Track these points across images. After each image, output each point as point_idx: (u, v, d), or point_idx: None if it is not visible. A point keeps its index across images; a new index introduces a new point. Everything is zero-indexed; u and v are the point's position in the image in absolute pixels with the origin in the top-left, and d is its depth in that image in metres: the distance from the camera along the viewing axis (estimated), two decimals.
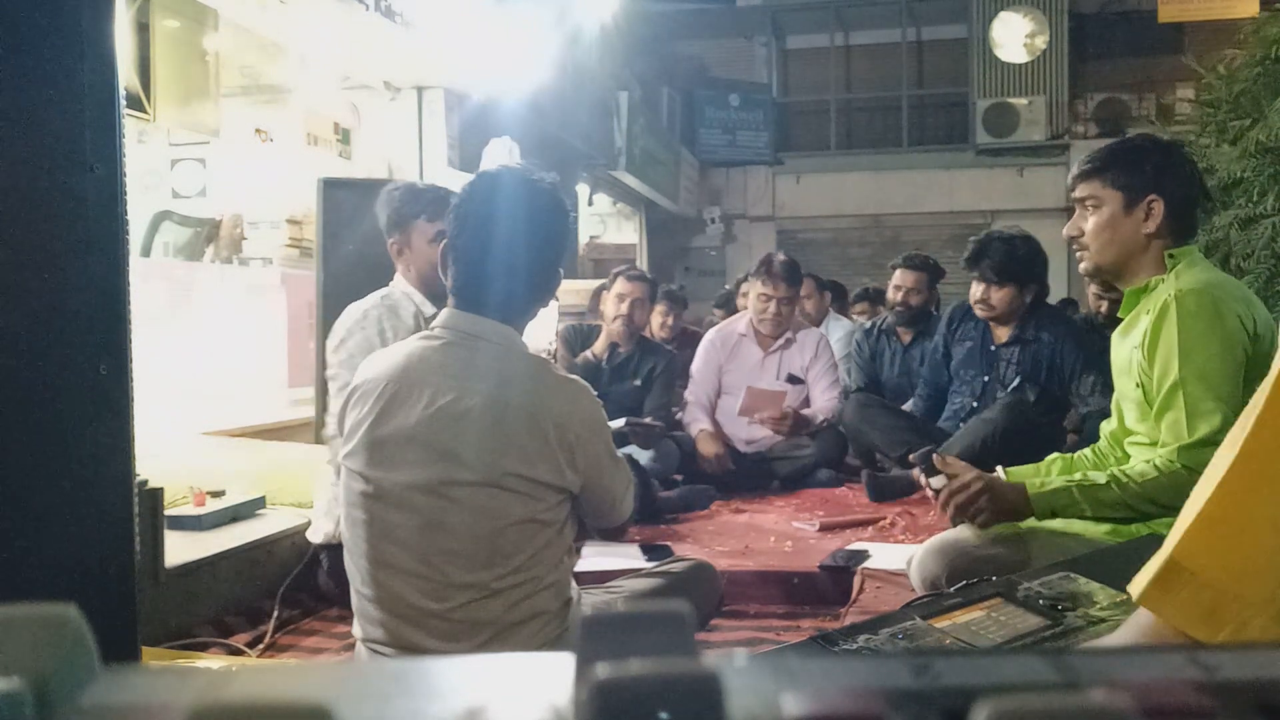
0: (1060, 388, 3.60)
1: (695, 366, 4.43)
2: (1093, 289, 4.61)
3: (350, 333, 2.67)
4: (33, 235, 1.22)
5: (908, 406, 4.28)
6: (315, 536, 2.75)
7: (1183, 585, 0.91)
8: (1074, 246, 2.02)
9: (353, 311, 2.73)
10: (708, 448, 4.07)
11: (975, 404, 3.70)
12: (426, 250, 2.71)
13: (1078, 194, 1.99)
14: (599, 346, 4.23)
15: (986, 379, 3.68)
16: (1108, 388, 3.45)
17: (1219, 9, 8.98)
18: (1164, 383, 1.84)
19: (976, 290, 3.62)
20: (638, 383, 4.21)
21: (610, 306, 4.22)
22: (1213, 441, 1.77)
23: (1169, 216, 1.92)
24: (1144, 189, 1.92)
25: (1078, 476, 1.92)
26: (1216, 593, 0.89)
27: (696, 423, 4.20)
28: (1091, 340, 3.64)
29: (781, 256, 4.36)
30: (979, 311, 3.65)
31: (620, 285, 4.22)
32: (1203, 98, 4.96)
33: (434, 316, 2.74)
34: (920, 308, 4.61)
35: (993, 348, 3.68)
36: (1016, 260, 3.54)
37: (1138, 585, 0.97)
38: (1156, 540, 1.73)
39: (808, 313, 5.38)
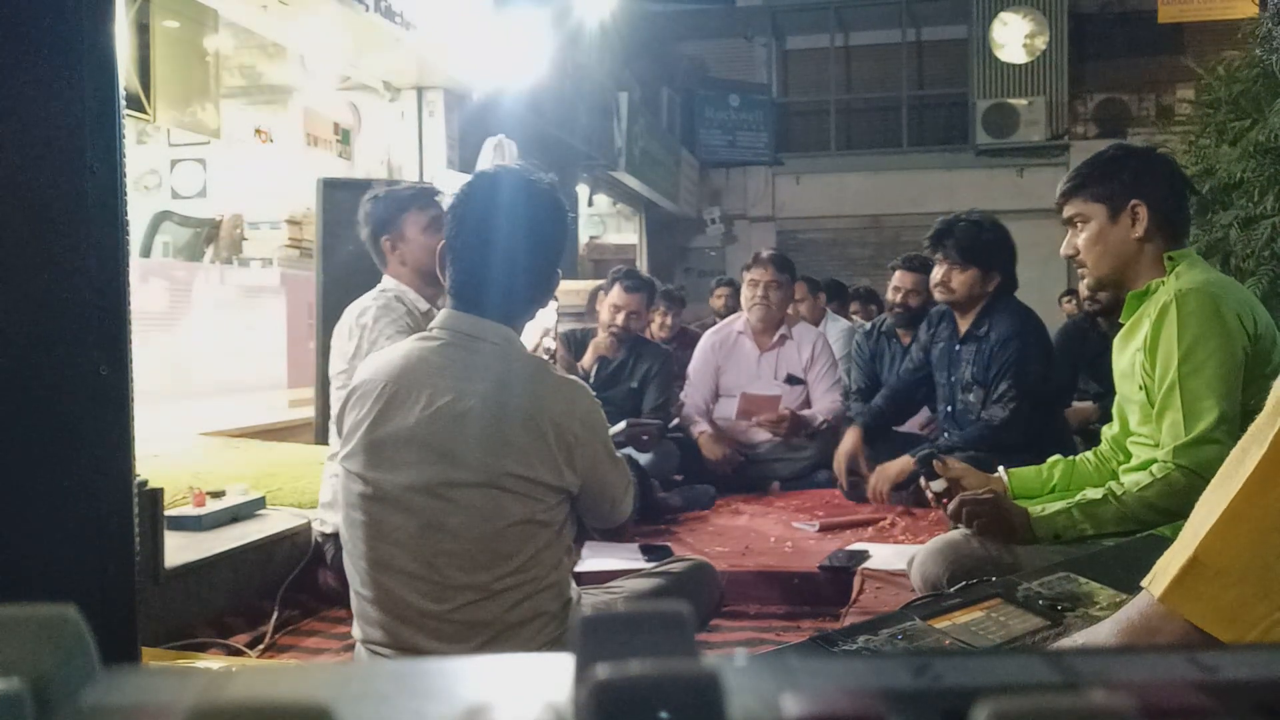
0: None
1: (692, 368, 4.42)
2: (1084, 284, 4.55)
3: (352, 332, 2.73)
4: (33, 235, 1.22)
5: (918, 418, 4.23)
6: (322, 528, 2.76)
7: (1207, 584, 0.90)
8: (1074, 264, 2.05)
9: (352, 310, 2.78)
10: (713, 450, 4.06)
11: (949, 408, 3.64)
12: (422, 239, 2.78)
13: (1065, 214, 2.02)
14: (587, 360, 4.13)
15: (952, 379, 3.62)
16: (1014, 401, 3.37)
17: (1219, 9, 8.99)
18: (1164, 382, 1.85)
19: (938, 272, 3.48)
20: (634, 385, 4.15)
21: (605, 314, 4.14)
22: (1209, 439, 1.78)
23: (1156, 218, 1.93)
24: (1125, 196, 1.94)
25: (1076, 497, 1.92)
26: (1245, 591, 0.88)
27: (696, 425, 4.20)
28: (1038, 346, 3.47)
29: (770, 250, 4.41)
30: (938, 295, 3.54)
31: (616, 295, 4.09)
32: (1202, 98, 4.95)
33: (429, 312, 2.78)
34: (919, 309, 4.60)
35: (956, 347, 3.58)
36: (982, 242, 3.42)
37: (1158, 584, 0.95)
38: (1157, 540, 1.74)
39: (803, 315, 5.39)
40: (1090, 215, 1.97)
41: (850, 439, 3.72)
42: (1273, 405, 0.88)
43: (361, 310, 2.75)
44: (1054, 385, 3.70)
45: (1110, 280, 2.01)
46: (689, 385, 4.41)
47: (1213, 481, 0.94)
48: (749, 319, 4.34)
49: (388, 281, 2.83)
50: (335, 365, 2.81)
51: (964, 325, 3.52)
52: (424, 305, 2.80)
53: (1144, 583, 0.99)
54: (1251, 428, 0.91)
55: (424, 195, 2.85)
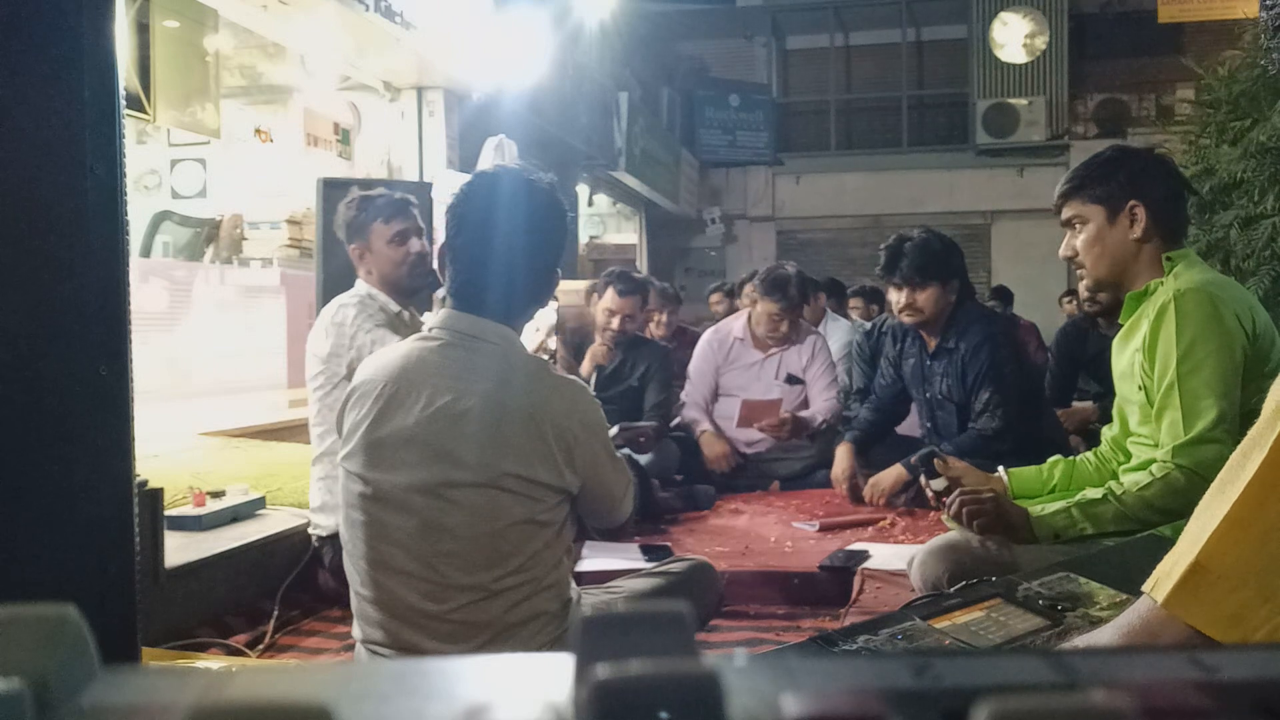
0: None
1: (692, 368, 4.41)
2: (1083, 286, 4.51)
3: (328, 332, 2.76)
4: (33, 235, 1.22)
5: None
6: (316, 531, 2.77)
7: (1209, 589, 0.90)
8: (1073, 266, 2.05)
9: (328, 311, 2.83)
10: (714, 449, 4.06)
11: (929, 424, 3.61)
12: (386, 251, 2.84)
13: (1063, 216, 2.03)
14: (585, 369, 4.09)
15: (927, 395, 3.59)
16: (1001, 406, 3.35)
17: (1219, 9, 8.99)
18: (1163, 382, 1.85)
19: (900, 298, 3.41)
20: (634, 383, 4.11)
21: (600, 317, 4.08)
22: (1209, 438, 1.78)
23: (1154, 219, 1.94)
24: (1123, 197, 1.95)
25: (1076, 497, 1.93)
26: (1247, 596, 0.88)
27: (697, 425, 4.19)
28: (1008, 347, 3.44)
29: (791, 268, 4.29)
30: (906, 319, 3.45)
31: (610, 300, 4.02)
32: (1202, 98, 4.95)
33: (400, 314, 2.81)
34: None
35: (928, 362, 3.54)
36: (935, 257, 3.36)
37: (1161, 589, 0.95)
38: (1157, 540, 1.74)
39: (804, 317, 5.37)
40: (1088, 216, 1.98)
41: (845, 459, 3.68)
42: (1272, 410, 0.88)
43: (338, 308, 2.78)
44: (1034, 382, 3.68)
45: (1109, 281, 2.01)
46: (689, 384, 4.40)
47: (1213, 485, 0.94)
48: (763, 337, 4.30)
49: (360, 286, 2.87)
50: (311, 368, 2.82)
51: (932, 341, 3.50)
52: (395, 307, 2.83)
53: (1145, 588, 0.99)
54: (1251, 432, 0.91)
55: (392, 207, 2.86)
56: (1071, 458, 2.20)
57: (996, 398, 3.33)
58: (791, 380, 4.31)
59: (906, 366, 3.65)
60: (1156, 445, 1.89)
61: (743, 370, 4.33)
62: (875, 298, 6.90)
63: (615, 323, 4.04)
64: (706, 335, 4.53)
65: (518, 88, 6.42)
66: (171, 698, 0.25)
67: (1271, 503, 0.88)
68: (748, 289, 5.20)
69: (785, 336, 4.27)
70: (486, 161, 5.32)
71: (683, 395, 4.41)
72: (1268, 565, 0.88)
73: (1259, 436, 0.89)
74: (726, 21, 12.95)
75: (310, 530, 2.82)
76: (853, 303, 6.84)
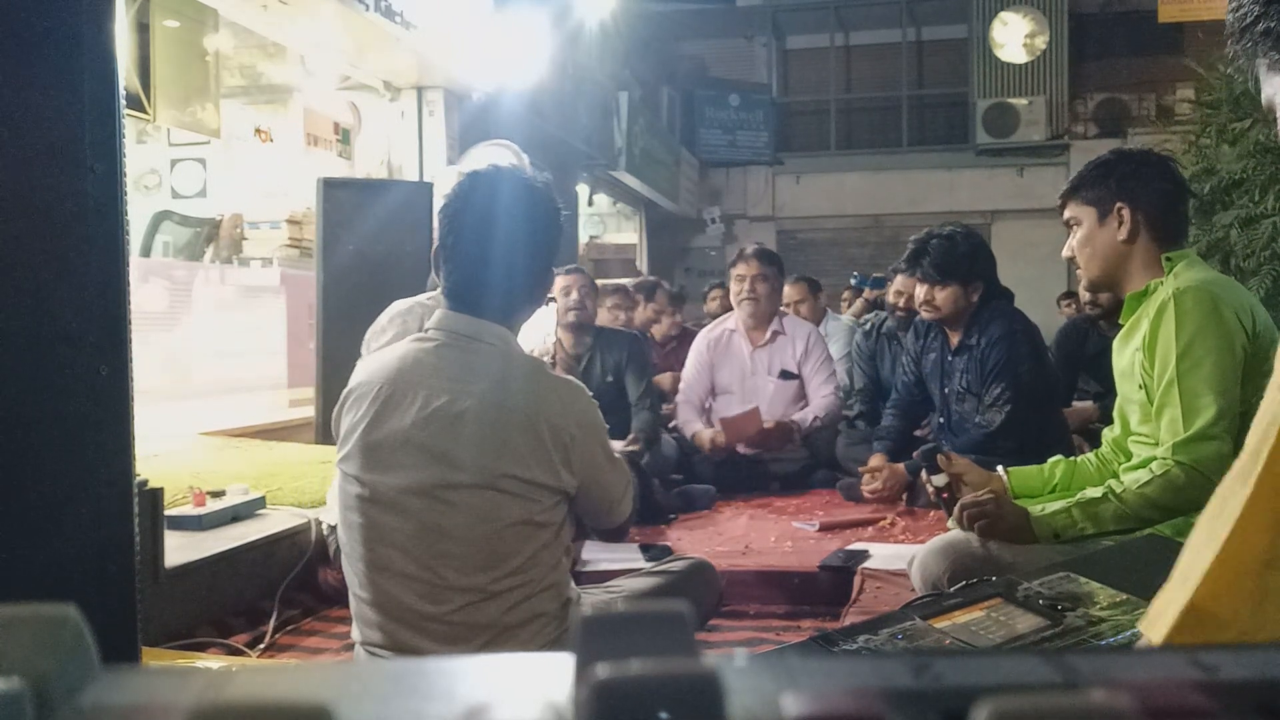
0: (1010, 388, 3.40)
1: (687, 368, 4.40)
2: (1082, 287, 4.51)
3: (390, 324, 2.63)
4: (33, 235, 1.22)
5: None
6: (330, 518, 2.73)
7: (1206, 630, 0.89)
8: (1073, 266, 2.09)
9: (397, 306, 2.71)
10: (706, 439, 4.03)
11: (941, 419, 3.61)
12: None
13: (1064, 217, 2.06)
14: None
15: (946, 390, 3.58)
16: (1010, 404, 3.35)
17: (1219, 9, 8.96)
18: (1162, 379, 1.85)
19: (920, 292, 3.44)
20: (609, 379, 3.95)
21: (559, 300, 3.90)
22: (1208, 435, 1.78)
23: (1146, 221, 1.96)
24: (1110, 199, 1.98)
25: (1076, 496, 1.93)
26: (1243, 636, 0.87)
27: (689, 425, 4.17)
28: (1028, 345, 3.42)
29: (755, 244, 4.37)
30: (925, 314, 3.48)
31: (559, 281, 3.79)
32: (1203, 98, 4.96)
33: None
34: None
35: (949, 358, 3.54)
36: (958, 257, 3.36)
37: (1155, 630, 0.94)
38: (1157, 539, 1.74)
39: (805, 316, 5.35)
40: (1082, 218, 2.02)
41: (891, 471, 3.54)
42: (1255, 444, 0.87)
43: (405, 310, 2.66)
44: (1050, 386, 3.67)
45: (1102, 281, 2.04)
46: (683, 385, 4.38)
47: (1201, 520, 0.93)
48: (739, 315, 4.32)
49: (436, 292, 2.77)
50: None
51: (955, 338, 3.50)
52: None
53: (1140, 626, 0.98)
54: (1235, 466, 0.89)
55: None
56: (1072, 458, 2.21)
57: (1007, 394, 3.33)
58: (785, 375, 4.29)
59: (927, 361, 3.66)
60: (1157, 443, 1.90)
61: (735, 365, 4.32)
62: (877, 284, 6.82)
63: (574, 296, 3.89)
64: (701, 334, 4.50)
65: (518, 88, 6.42)
66: (171, 698, 0.25)
67: (1264, 538, 0.87)
68: None
69: (762, 309, 4.23)
70: (474, 163, 5.30)
71: (677, 397, 4.39)
72: (1260, 601, 0.87)
73: (1243, 473, 0.87)
74: (726, 21, 12.96)
75: (326, 519, 2.79)
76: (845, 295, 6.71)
